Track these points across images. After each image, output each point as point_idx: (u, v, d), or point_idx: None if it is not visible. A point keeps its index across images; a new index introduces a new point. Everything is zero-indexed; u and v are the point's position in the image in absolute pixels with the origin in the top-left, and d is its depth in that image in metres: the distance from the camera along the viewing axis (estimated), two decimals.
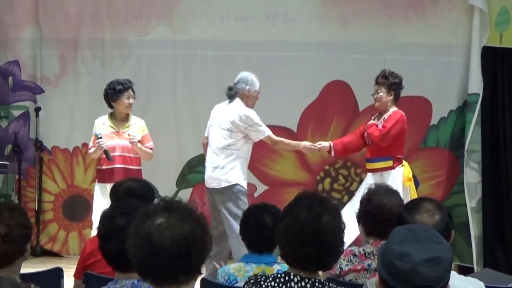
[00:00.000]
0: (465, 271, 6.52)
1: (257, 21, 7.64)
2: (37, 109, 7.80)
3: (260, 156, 7.66)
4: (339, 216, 2.90)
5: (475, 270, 6.92)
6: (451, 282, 2.20)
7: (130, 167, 6.46)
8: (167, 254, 2.20)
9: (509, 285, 4.18)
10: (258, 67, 7.59)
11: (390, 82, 6.30)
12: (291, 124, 7.61)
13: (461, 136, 7.34)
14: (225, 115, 6.27)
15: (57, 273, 3.82)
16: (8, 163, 6.43)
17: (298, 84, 7.63)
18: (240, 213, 5.47)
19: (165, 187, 7.26)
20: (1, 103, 7.96)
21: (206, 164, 6.33)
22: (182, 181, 7.34)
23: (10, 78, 7.92)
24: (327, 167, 7.67)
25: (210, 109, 6.98)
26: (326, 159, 7.66)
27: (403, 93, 7.49)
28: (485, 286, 3.02)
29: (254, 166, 7.65)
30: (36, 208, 7.86)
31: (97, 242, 4.06)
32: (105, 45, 7.84)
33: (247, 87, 6.28)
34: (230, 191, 6.18)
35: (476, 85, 7.21)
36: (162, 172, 7.53)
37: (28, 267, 6.04)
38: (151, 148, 6.57)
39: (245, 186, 6.25)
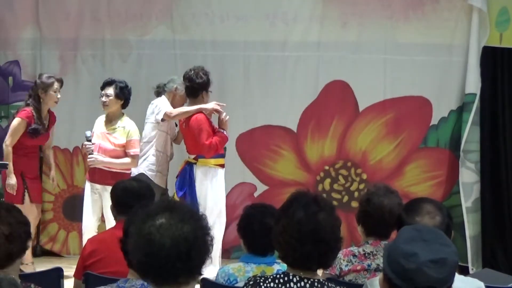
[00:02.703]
0: (460, 270, 6.54)
1: (257, 21, 7.64)
2: None
3: (260, 156, 7.67)
4: (335, 212, 2.90)
5: (470, 270, 6.93)
6: None
7: (107, 168, 6.56)
8: (167, 255, 2.20)
9: (509, 285, 4.18)
10: (258, 67, 7.63)
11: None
12: (291, 124, 7.62)
13: (461, 136, 7.34)
14: (148, 110, 6.84)
15: (57, 273, 3.82)
16: (8, 163, 6.42)
17: (298, 84, 7.62)
18: None
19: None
20: (1, 103, 7.96)
21: None
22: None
23: (10, 78, 7.91)
24: (327, 167, 7.67)
25: None
26: (326, 159, 7.66)
27: (404, 93, 7.54)
28: (485, 286, 3.03)
29: (254, 166, 7.66)
30: None
31: (97, 242, 4.09)
32: (105, 45, 7.84)
33: (175, 85, 6.83)
34: None
35: (473, 85, 7.21)
36: None
37: (28, 267, 6.08)
38: (132, 155, 6.59)
39: (153, 178, 6.67)
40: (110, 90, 6.60)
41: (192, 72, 6.61)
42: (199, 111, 6.53)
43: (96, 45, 7.85)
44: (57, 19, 7.87)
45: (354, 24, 7.53)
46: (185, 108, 6.63)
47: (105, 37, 7.83)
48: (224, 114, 6.60)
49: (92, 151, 6.53)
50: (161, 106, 6.71)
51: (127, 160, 6.60)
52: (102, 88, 6.68)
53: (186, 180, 6.54)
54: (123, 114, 6.70)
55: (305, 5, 7.61)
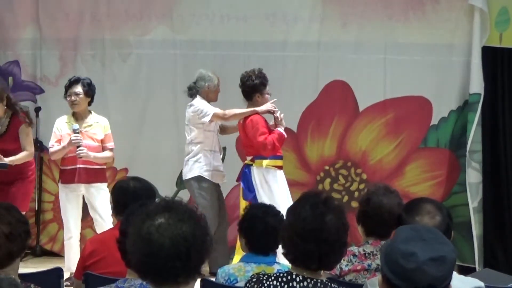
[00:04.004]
0: (466, 271, 6.52)
1: (257, 21, 7.64)
2: (37, 109, 7.79)
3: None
4: (344, 216, 2.91)
5: (477, 270, 6.91)
6: (451, 282, 2.20)
7: (91, 166, 6.55)
8: (166, 255, 2.20)
9: (509, 285, 4.17)
10: (258, 67, 7.61)
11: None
12: (291, 124, 7.60)
13: (461, 136, 7.34)
14: (186, 113, 6.90)
15: (57, 273, 3.82)
16: (8, 163, 6.42)
17: (298, 84, 7.62)
18: (201, 203, 6.56)
19: (165, 187, 7.25)
20: None
21: None
22: (182, 181, 7.31)
23: (10, 78, 7.91)
24: (327, 167, 7.67)
25: None
26: (326, 159, 7.66)
27: (404, 93, 7.53)
28: (485, 286, 3.02)
29: None
30: (36, 208, 7.85)
31: (96, 243, 4.09)
32: (105, 45, 7.84)
33: (206, 84, 6.90)
34: (189, 183, 6.89)
35: (477, 85, 7.20)
36: (162, 172, 7.52)
37: (28, 267, 6.07)
38: (111, 149, 6.66)
39: (210, 177, 6.83)
40: (79, 89, 6.59)
41: (245, 74, 6.75)
42: (254, 113, 6.66)
43: (96, 45, 7.85)
44: (57, 19, 7.86)
45: (354, 24, 7.53)
46: (239, 110, 6.75)
47: (105, 37, 7.83)
48: (279, 112, 6.71)
49: (81, 143, 6.47)
50: (203, 107, 6.79)
51: (108, 154, 6.68)
52: (69, 87, 6.64)
53: (250, 182, 6.59)
54: (90, 111, 6.71)
55: (305, 5, 7.61)
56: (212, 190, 6.90)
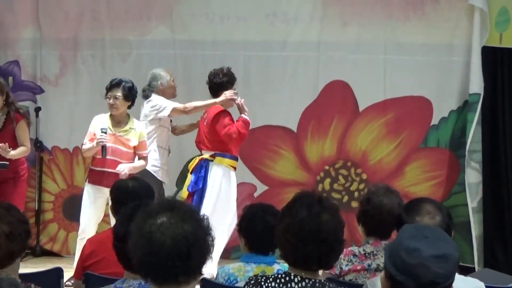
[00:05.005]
0: (465, 271, 6.53)
1: (257, 21, 7.64)
2: (37, 109, 7.79)
3: (260, 156, 7.67)
4: (339, 214, 2.91)
5: (476, 270, 6.91)
6: None
7: (115, 172, 6.31)
8: (167, 254, 2.20)
9: (509, 285, 4.18)
10: (258, 67, 7.63)
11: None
12: (291, 124, 7.62)
13: (462, 136, 7.34)
14: (143, 108, 6.81)
15: (57, 273, 3.82)
16: (8, 163, 6.41)
17: (298, 84, 7.62)
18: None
19: (165, 187, 7.24)
20: None
21: None
22: (182, 181, 7.31)
23: (10, 78, 7.91)
24: (327, 167, 7.67)
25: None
26: (326, 159, 7.66)
27: (404, 93, 7.53)
28: (485, 286, 3.03)
29: (254, 166, 7.66)
30: (36, 208, 7.85)
31: (96, 243, 4.09)
32: (105, 45, 7.83)
33: (159, 82, 6.86)
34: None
35: (477, 85, 7.20)
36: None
37: (28, 267, 6.07)
38: (145, 157, 6.53)
39: (155, 173, 6.70)
40: (118, 92, 6.40)
41: (213, 71, 6.73)
42: (214, 104, 6.62)
43: (96, 45, 7.85)
44: (57, 19, 7.86)
45: (354, 24, 7.53)
46: (199, 103, 6.71)
47: (105, 37, 7.82)
48: (239, 98, 6.66)
49: (106, 143, 6.28)
50: (161, 103, 6.73)
51: (143, 162, 6.51)
52: (109, 89, 6.46)
53: (201, 176, 6.58)
54: (129, 115, 6.55)
55: (305, 5, 7.61)
56: (155, 186, 6.76)
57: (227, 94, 6.61)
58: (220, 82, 6.67)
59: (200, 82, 7.07)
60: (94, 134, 6.40)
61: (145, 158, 6.53)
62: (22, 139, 6.44)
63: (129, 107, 6.55)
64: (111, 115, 6.49)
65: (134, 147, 6.46)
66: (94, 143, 6.33)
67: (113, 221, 6.33)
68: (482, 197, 7.26)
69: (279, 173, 7.70)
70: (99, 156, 6.36)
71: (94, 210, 6.44)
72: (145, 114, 6.80)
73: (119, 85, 6.45)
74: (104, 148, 6.29)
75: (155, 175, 6.72)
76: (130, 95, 6.47)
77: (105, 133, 6.33)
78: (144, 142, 6.53)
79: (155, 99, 6.80)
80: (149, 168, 6.68)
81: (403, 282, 2.14)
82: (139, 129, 6.51)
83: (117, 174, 6.24)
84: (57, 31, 7.87)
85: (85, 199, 6.48)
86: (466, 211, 7.18)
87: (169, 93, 6.93)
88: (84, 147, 6.50)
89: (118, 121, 6.47)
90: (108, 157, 6.33)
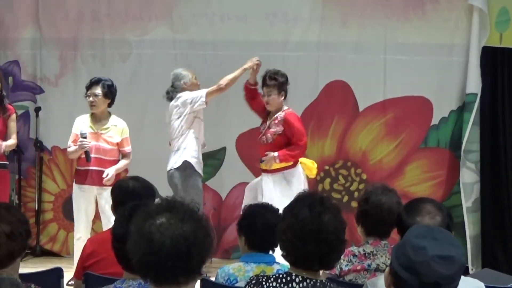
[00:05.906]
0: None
1: (257, 21, 7.64)
2: (37, 109, 7.80)
3: (260, 156, 7.66)
4: (340, 215, 2.91)
5: (470, 270, 6.93)
6: None
7: (104, 169, 6.44)
8: (167, 254, 2.20)
9: (509, 285, 4.17)
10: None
11: (279, 82, 6.56)
12: None
13: (461, 136, 7.34)
14: (174, 107, 6.75)
15: (57, 273, 3.82)
16: (8, 163, 6.42)
17: (298, 84, 7.61)
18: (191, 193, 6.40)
19: (165, 187, 7.24)
20: None
21: None
22: None
23: (10, 78, 7.91)
24: (327, 167, 7.67)
25: (210, 109, 7.00)
26: (326, 159, 7.66)
27: (404, 93, 7.54)
28: (485, 286, 3.03)
29: (254, 166, 7.64)
30: (36, 208, 7.86)
31: (96, 243, 4.09)
32: (105, 45, 7.84)
33: (182, 81, 6.79)
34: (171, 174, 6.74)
35: (474, 85, 7.21)
36: (162, 172, 7.51)
37: (28, 267, 6.08)
38: (128, 153, 6.58)
39: (196, 165, 6.66)
40: (98, 90, 6.48)
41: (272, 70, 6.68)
42: (243, 71, 6.70)
43: (96, 45, 7.85)
44: (57, 19, 7.87)
45: (354, 24, 7.53)
46: (230, 75, 6.68)
47: (105, 37, 7.83)
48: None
49: (88, 147, 6.38)
50: (192, 95, 6.67)
51: (126, 160, 6.60)
52: (89, 87, 6.52)
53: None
54: (109, 113, 6.61)
55: (305, 5, 7.61)
56: (195, 178, 6.75)
57: (254, 60, 6.70)
58: (285, 79, 6.64)
59: (200, 82, 7.06)
60: (77, 135, 6.50)
61: (128, 155, 6.61)
62: (11, 131, 6.48)
63: (109, 105, 6.60)
64: (92, 114, 6.57)
65: (117, 144, 6.53)
66: (77, 146, 6.44)
67: (104, 220, 6.42)
68: (479, 197, 7.27)
69: None
70: (84, 156, 6.46)
71: (84, 209, 6.54)
72: (176, 112, 6.72)
73: (98, 83, 6.53)
74: (87, 153, 6.41)
75: (195, 167, 6.69)
76: (110, 92, 6.54)
77: (85, 137, 6.41)
78: (127, 138, 6.59)
79: (184, 95, 6.72)
80: (189, 159, 6.65)
81: (406, 279, 2.14)
82: (120, 125, 6.58)
83: (101, 171, 6.38)
84: (57, 31, 7.88)
85: (74, 200, 6.60)
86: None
87: (194, 90, 6.86)
88: (68, 149, 6.61)
89: (99, 119, 6.55)
90: (92, 155, 6.43)
